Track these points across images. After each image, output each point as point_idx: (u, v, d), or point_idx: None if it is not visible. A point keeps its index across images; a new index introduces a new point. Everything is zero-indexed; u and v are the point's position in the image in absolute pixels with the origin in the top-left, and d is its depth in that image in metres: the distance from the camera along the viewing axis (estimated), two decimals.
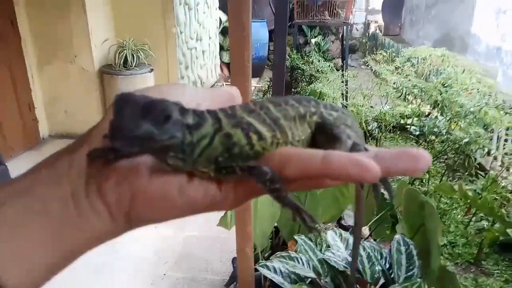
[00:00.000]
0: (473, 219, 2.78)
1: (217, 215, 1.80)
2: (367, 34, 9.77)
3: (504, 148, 3.39)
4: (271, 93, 4.14)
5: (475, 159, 3.34)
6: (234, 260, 2.03)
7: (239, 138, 0.29)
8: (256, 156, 0.29)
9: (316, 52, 6.35)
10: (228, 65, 5.95)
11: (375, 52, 7.00)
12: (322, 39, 7.58)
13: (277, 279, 1.35)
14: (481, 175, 3.12)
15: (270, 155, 0.29)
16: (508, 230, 2.34)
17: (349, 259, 1.36)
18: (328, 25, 6.64)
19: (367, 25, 10.26)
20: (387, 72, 4.61)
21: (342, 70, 5.08)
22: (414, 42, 8.43)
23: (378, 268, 1.33)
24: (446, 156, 3.41)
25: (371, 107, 4.31)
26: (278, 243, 2.04)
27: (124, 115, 0.24)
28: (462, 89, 3.65)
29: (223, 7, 5.88)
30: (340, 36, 7.07)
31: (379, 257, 1.37)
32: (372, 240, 1.85)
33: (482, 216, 2.80)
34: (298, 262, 1.37)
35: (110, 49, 3.78)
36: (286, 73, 4.35)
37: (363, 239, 1.93)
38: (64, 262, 0.28)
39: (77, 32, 3.60)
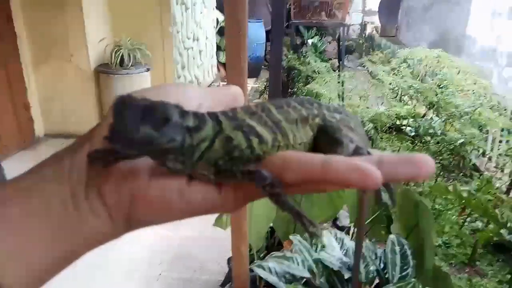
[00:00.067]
0: (468, 219, 2.80)
1: (213, 215, 1.80)
2: (363, 35, 9.80)
3: (498, 149, 3.41)
4: (267, 93, 4.14)
5: (470, 160, 3.36)
6: (229, 260, 2.03)
7: (240, 141, 0.28)
8: (257, 159, 0.29)
9: (312, 52, 6.35)
10: (225, 65, 5.94)
11: (371, 53, 7.02)
12: (319, 40, 7.58)
13: (272, 279, 1.35)
14: (476, 176, 3.14)
15: (270, 158, 0.28)
16: (502, 231, 2.35)
17: (344, 259, 1.36)
18: (325, 26, 6.65)
19: (363, 26, 10.29)
20: (383, 73, 4.63)
21: (339, 71, 5.10)
22: (410, 43, 8.46)
23: (372, 268, 1.34)
24: (441, 157, 3.42)
25: (367, 107, 4.33)
26: (273, 243, 2.04)
27: (124, 118, 0.24)
28: (457, 90, 3.67)
29: (220, 7, 5.88)
30: (337, 37, 7.08)
31: (373, 257, 1.37)
32: (367, 240, 1.86)
33: (476, 217, 2.81)
34: (293, 262, 1.37)
35: (106, 48, 3.77)
36: (282, 74, 4.35)
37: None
38: (63, 262, 0.29)
39: (73, 31, 3.59)
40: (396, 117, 4.11)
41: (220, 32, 6.12)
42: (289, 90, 4.92)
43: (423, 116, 4.22)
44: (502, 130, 3.39)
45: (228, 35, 0.95)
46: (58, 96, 3.82)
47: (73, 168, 0.28)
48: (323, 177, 0.25)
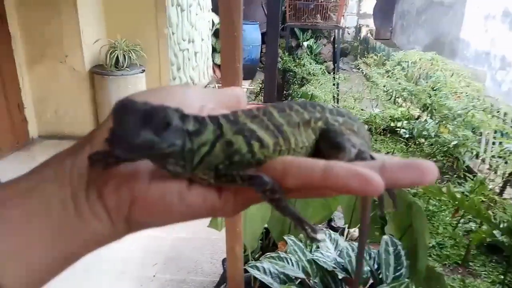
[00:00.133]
0: (461, 221, 2.82)
1: None
2: (358, 38, 9.86)
3: (491, 151, 3.44)
4: (263, 95, 4.15)
5: (464, 161, 3.38)
6: (224, 261, 2.03)
7: (241, 146, 0.28)
8: (258, 163, 0.28)
9: (308, 55, 6.38)
10: (220, 66, 5.94)
11: (366, 55, 7.06)
12: (314, 42, 7.62)
13: (267, 279, 1.35)
14: (469, 177, 3.16)
15: (271, 163, 0.28)
16: (495, 232, 2.37)
17: (339, 259, 1.37)
18: (320, 28, 6.68)
19: (358, 29, 10.37)
20: (378, 75, 4.66)
21: (334, 73, 5.12)
22: (404, 46, 8.53)
23: (366, 268, 1.34)
24: (435, 159, 3.44)
25: (362, 110, 4.35)
26: (268, 244, 2.04)
27: (124, 122, 0.24)
28: (450, 92, 3.70)
29: (216, 9, 5.89)
30: (332, 39, 7.11)
31: (367, 258, 1.38)
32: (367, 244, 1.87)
33: (470, 218, 2.84)
34: (288, 263, 1.37)
35: (101, 49, 3.76)
36: (278, 76, 4.37)
37: (353, 241, 1.94)
38: (64, 263, 0.29)
39: (68, 31, 3.57)
40: (390, 119, 4.14)
41: (216, 34, 6.13)
42: (284, 92, 4.93)
43: (417, 118, 4.25)
44: (495, 132, 3.42)
45: (223, 35, 0.95)
46: (53, 97, 3.80)
47: (74, 169, 0.28)
48: (324, 183, 0.25)
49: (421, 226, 1.41)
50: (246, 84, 6.34)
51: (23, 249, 0.26)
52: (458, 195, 2.39)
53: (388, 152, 3.79)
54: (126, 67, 3.67)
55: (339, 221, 2.48)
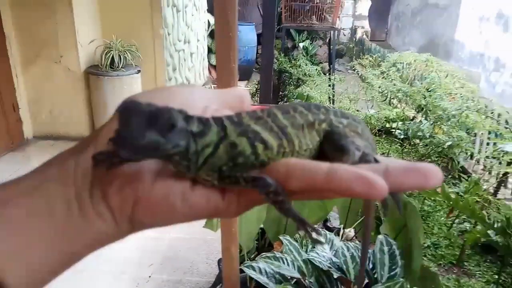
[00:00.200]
0: (456, 221, 2.83)
1: None
2: (354, 39, 9.91)
3: (486, 152, 3.47)
4: (259, 95, 4.15)
5: (458, 162, 3.41)
6: (219, 262, 2.02)
7: (244, 148, 0.28)
8: (262, 165, 0.28)
9: (303, 56, 6.40)
10: (216, 67, 5.94)
11: (361, 57, 7.09)
12: (310, 43, 7.65)
13: (262, 279, 1.35)
14: (463, 178, 3.18)
15: (274, 165, 0.28)
16: (490, 232, 2.39)
17: (334, 259, 1.37)
18: (316, 30, 6.70)
19: (354, 30, 10.41)
20: (373, 76, 4.68)
21: (329, 74, 5.14)
22: (399, 47, 8.57)
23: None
24: (429, 159, 3.46)
25: (357, 110, 4.37)
26: (264, 244, 2.04)
27: (129, 124, 0.24)
28: (445, 93, 3.72)
29: (211, 10, 5.89)
30: (328, 40, 7.14)
31: None
32: (357, 241, 1.88)
33: (464, 218, 2.85)
34: (283, 263, 1.38)
35: (96, 49, 3.75)
36: (273, 76, 4.37)
37: (348, 241, 1.95)
38: (66, 263, 0.28)
39: (63, 31, 3.56)
40: (385, 120, 4.16)
41: (212, 35, 6.13)
42: (280, 92, 4.94)
43: (412, 119, 4.27)
44: (489, 132, 3.45)
45: (218, 36, 0.95)
46: (47, 98, 3.78)
47: (78, 169, 0.28)
48: (327, 185, 0.25)
49: (416, 226, 1.42)
50: (242, 85, 6.34)
51: (25, 249, 0.26)
52: (453, 196, 2.40)
53: (383, 153, 3.80)
54: (121, 67, 3.66)
55: (335, 222, 2.48)
